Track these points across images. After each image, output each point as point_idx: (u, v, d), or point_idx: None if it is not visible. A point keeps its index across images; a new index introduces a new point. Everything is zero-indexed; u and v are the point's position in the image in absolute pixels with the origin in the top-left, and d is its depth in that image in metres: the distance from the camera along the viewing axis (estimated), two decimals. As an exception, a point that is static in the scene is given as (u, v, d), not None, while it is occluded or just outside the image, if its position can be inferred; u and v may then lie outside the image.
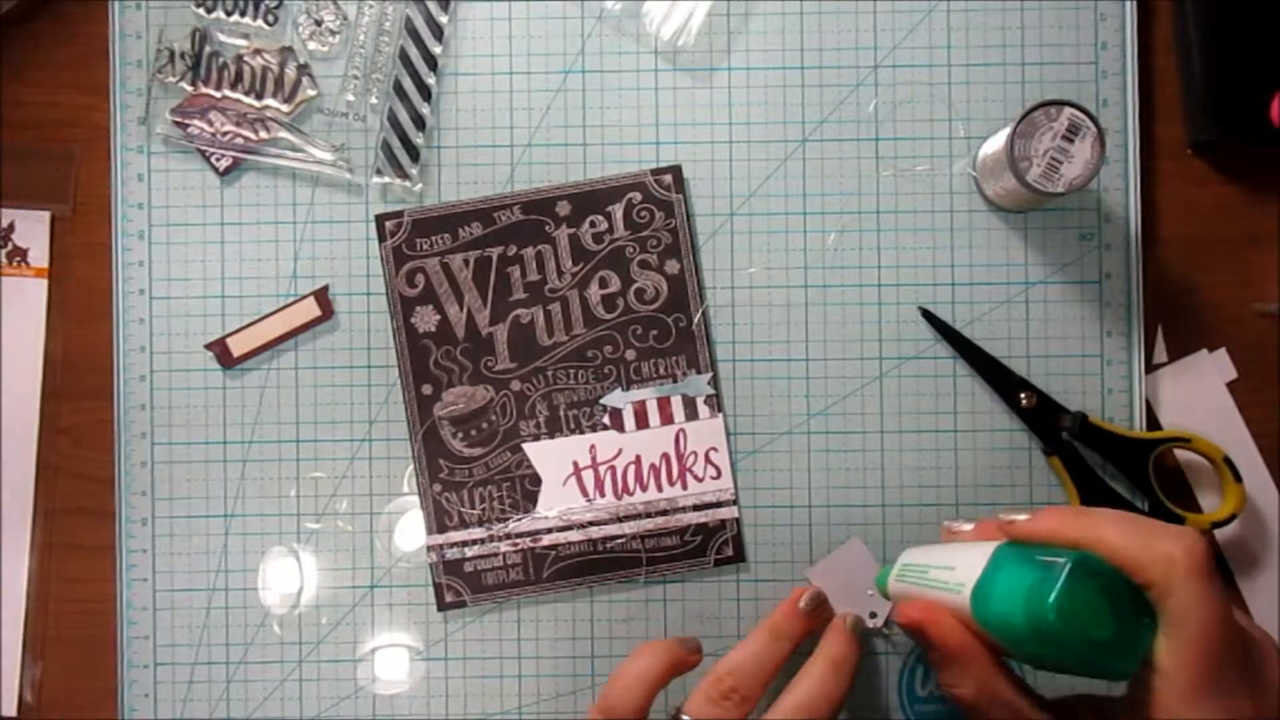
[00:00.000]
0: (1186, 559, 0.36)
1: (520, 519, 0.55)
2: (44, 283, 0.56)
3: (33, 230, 0.56)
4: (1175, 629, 0.36)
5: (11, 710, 0.55)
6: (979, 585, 0.39)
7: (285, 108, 0.55)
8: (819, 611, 0.49)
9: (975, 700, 0.40)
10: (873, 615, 0.53)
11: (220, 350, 0.55)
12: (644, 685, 0.46)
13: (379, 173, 0.55)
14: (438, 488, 0.55)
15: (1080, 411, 0.54)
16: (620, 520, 0.55)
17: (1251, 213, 0.56)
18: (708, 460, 0.55)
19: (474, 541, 0.55)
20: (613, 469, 0.55)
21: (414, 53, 0.55)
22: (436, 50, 0.55)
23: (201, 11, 0.55)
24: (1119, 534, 0.37)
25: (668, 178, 0.55)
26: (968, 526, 0.44)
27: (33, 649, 0.56)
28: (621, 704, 0.46)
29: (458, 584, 0.55)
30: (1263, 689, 0.37)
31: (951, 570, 0.41)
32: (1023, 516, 0.40)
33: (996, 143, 0.51)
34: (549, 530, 0.55)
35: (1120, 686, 0.39)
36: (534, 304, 0.55)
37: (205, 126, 0.55)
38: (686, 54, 0.55)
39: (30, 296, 0.56)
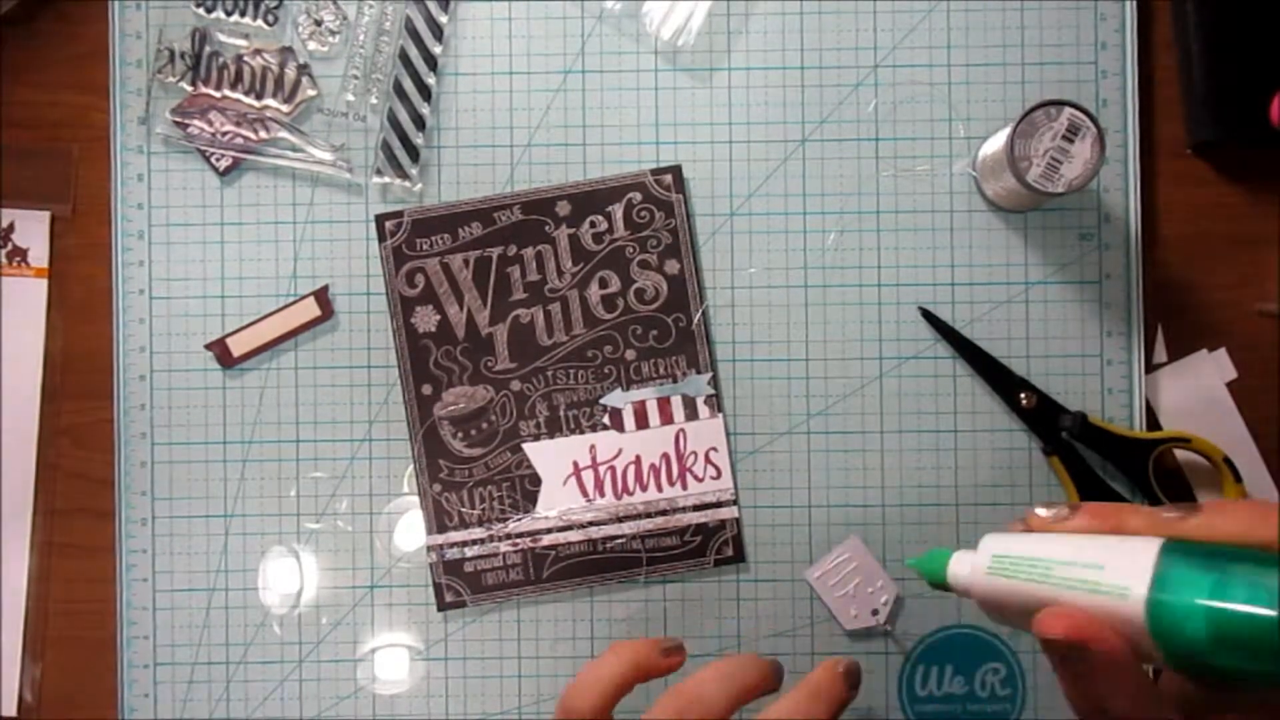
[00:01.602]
0: None
1: (520, 519, 0.55)
2: (44, 283, 0.56)
3: (33, 230, 0.56)
4: None
5: (11, 710, 0.55)
6: (1158, 592, 0.33)
7: (285, 108, 0.55)
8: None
9: (1129, 717, 0.35)
10: (874, 613, 0.53)
11: (220, 350, 0.55)
12: (602, 686, 0.44)
13: (379, 173, 0.55)
14: (438, 488, 0.55)
15: (1080, 411, 0.54)
16: (620, 520, 0.55)
17: (1251, 213, 0.56)
18: (708, 460, 0.55)
19: (474, 541, 0.55)
20: (613, 469, 0.55)
21: (414, 53, 0.55)
22: (436, 50, 0.55)
23: (201, 11, 0.55)
24: None
25: (668, 178, 0.55)
26: (1065, 511, 0.38)
27: (33, 649, 0.56)
28: (578, 705, 0.44)
29: (458, 584, 0.55)
30: None
31: (1100, 569, 0.35)
32: (1176, 514, 0.35)
33: (996, 143, 0.51)
34: (549, 530, 0.55)
35: None
36: (534, 304, 0.55)
37: (205, 126, 0.55)
38: (686, 54, 0.55)
39: (30, 296, 0.56)
